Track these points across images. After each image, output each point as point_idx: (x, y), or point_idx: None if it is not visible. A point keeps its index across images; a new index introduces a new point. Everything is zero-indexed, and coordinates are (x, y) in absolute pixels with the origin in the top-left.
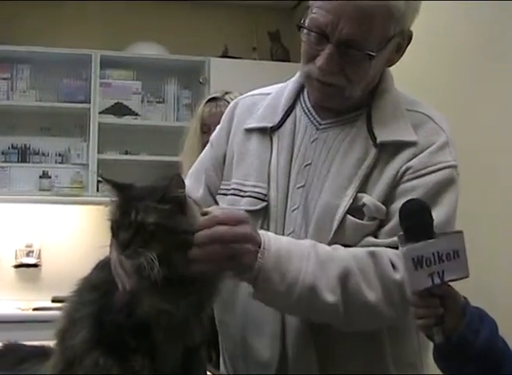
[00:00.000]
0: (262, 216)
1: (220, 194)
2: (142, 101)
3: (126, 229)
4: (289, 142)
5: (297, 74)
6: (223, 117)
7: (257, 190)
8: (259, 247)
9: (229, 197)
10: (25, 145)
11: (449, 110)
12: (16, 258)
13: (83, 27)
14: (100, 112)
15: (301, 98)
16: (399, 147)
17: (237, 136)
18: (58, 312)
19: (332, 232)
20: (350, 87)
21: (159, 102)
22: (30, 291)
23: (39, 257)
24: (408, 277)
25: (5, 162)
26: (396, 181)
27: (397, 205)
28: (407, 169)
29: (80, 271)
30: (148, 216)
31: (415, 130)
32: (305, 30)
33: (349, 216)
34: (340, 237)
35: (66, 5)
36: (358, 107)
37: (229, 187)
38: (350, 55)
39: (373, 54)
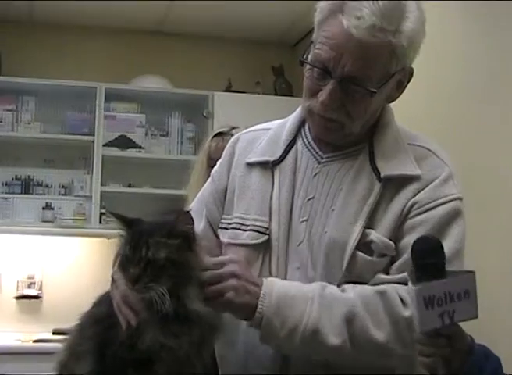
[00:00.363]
0: (264, 249)
1: (221, 228)
2: (146, 134)
3: (136, 264)
4: (291, 176)
5: (298, 109)
6: (224, 152)
7: (258, 223)
8: (260, 287)
9: (230, 231)
10: (29, 177)
11: (449, 145)
12: (17, 290)
13: (88, 60)
14: (104, 145)
15: (302, 132)
16: (402, 181)
17: (238, 170)
18: (58, 344)
19: (343, 269)
20: (349, 123)
21: (163, 135)
22: (30, 322)
23: (40, 289)
24: (418, 317)
25: (9, 193)
26: (403, 217)
27: (407, 240)
28: (414, 204)
29: (82, 303)
30: (159, 251)
31: (418, 164)
32: (308, 66)
33: (358, 253)
34: (352, 274)
35: (71, 38)
36: (359, 141)
37: (230, 222)
38: (352, 91)
39: (374, 90)
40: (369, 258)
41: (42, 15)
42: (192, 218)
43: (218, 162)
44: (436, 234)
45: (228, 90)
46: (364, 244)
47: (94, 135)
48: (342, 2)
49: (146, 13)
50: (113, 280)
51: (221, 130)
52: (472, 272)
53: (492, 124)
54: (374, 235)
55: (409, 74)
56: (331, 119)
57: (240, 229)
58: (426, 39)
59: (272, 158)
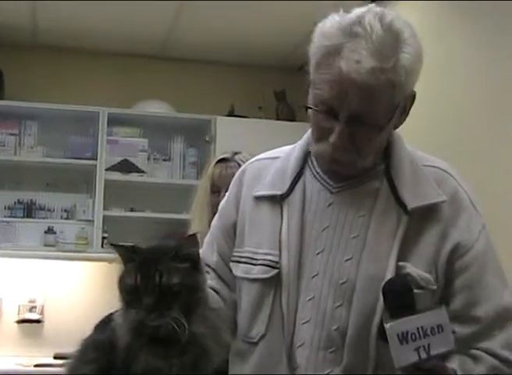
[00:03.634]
0: (275, 283)
1: (233, 261)
2: (148, 159)
3: (151, 292)
4: (300, 209)
5: (304, 138)
6: (231, 185)
7: (269, 257)
8: None
9: (242, 265)
10: (31, 200)
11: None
12: (18, 314)
13: (91, 85)
14: (106, 169)
15: (309, 163)
16: (428, 209)
17: (247, 203)
18: (60, 368)
19: (380, 305)
20: (361, 160)
21: (165, 160)
22: (32, 346)
23: (42, 313)
24: (394, 353)
25: (11, 216)
26: (447, 257)
27: (462, 280)
28: (456, 246)
29: (84, 327)
30: (172, 276)
31: (438, 186)
32: (313, 110)
33: None
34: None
35: (74, 62)
36: (371, 166)
37: (242, 255)
38: (360, 130)
39: (383, 126)
40: None
41: (45, 39)
42: (197, 241)
43: (226, 196)
44: (484, 266)
45: (230, 114)
46: None
47: (96, 159)
48: (338, 45)
49: (148, 38)
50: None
51: (224, 156)
52: (442, 304)
53: (497, 144)
54: (410, 268)
55: (411, 97)
56: (342, 160)
57: (251, 263)
58: (431, 60)
59: (279, 192)
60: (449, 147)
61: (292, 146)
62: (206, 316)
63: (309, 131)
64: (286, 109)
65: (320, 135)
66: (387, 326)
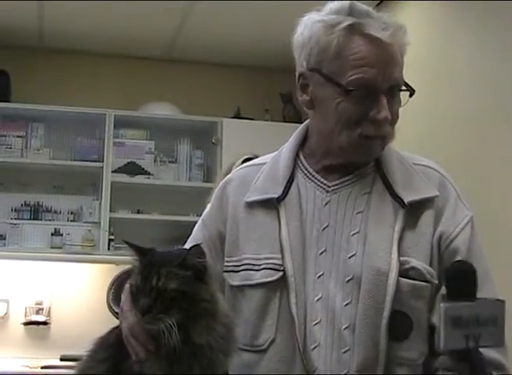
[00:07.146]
0: (280, 286)
1: (228, 271)
2: (155, 161)
3: (147, 294)
4: (297, 210)
5: (291, 140)
6: (215, 194)
7: (271, 261)
8: None
9: (242, 273)
10: (37, 203)
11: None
12: (25, 316)
13: (98, 87)
14: (113, 171)
15: (300, 164)
16: (421, 203)
17: (238, 210)
18: (66, 370)
19: (389, 297)
20: (391, 132)
21: (172, 162)
22: (38, 348)
23: (49, 315)
24: (443, 335)
25: (18, 219)
26: (436, 249)
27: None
28: (440, 236)
29: (90, 330)
30: (170, 281)
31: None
32: (348, 95)
33: (402, 279)
34: (396, 302)
35: (81, 64)
36: (361, 164)
37: (239, 263)
38: (395, 98)
39: (413, 89)
40: (413, 282)
41: (52, 41)
42: (204, 251)
43: (209, 205)
44: (469, 255)
45: (237, 117)
46: (402, 272)
47: (103, 161)
48: (354, 22)
49: (155, 40)
50: (122, 311)
51: (249, 156)
52: (503, 301)
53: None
54: (414, 262)
55: None
56: (385, 135)
57: (252, 269)
58: (439, 60)
59: (275, 195)
60: (456, 148)
61: (275, 152)
62: (213, 327)
63: (295, 134)
64: (292, 111)
65: (360, 118)
66: (442, 305)
